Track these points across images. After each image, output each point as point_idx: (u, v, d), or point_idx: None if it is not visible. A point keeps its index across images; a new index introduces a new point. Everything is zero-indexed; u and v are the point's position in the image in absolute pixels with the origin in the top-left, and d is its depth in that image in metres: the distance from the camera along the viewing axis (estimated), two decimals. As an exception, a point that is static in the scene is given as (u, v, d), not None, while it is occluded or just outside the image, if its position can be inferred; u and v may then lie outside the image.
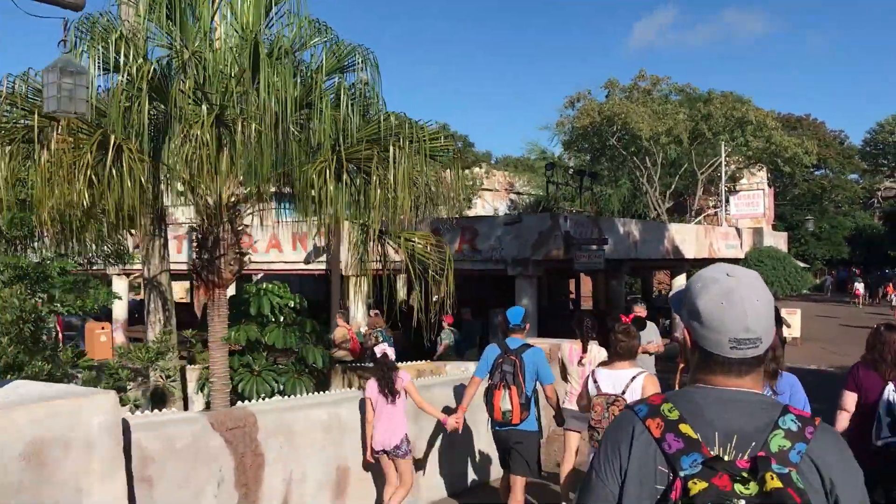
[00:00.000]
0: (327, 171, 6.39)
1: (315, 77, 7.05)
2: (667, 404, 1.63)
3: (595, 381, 4.89)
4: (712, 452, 1.54)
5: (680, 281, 22.18)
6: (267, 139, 6.57)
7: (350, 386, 10.01)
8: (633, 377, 4.81)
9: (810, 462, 1.55)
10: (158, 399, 8.67)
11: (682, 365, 9.61)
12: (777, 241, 27.46)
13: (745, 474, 1.48)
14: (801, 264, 45.43)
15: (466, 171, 34.38)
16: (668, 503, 1.53)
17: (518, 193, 38.18)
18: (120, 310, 18.69)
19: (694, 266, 23.86)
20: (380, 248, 7.60)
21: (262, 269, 18.38)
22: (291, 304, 9.45)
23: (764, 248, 24.71)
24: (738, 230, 24.86)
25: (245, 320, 9.00)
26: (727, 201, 27.19)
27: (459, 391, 6.65)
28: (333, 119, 7.27)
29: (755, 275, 1.72)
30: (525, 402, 5.55)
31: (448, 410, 6.44)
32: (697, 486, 1.48)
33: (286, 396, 7.51)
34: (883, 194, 69.01)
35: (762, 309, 1.63)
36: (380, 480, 5.99)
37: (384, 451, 5.74)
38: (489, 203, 39.32)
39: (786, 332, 22.95)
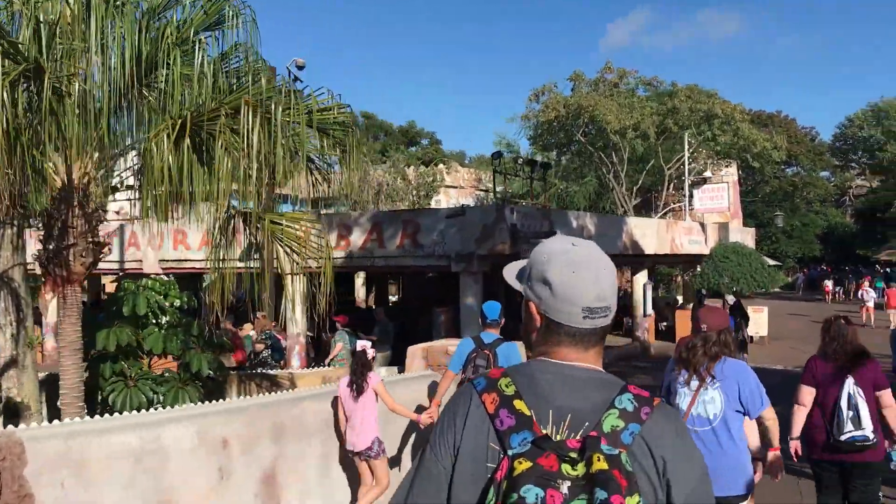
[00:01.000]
0: (166, 139, 5.24)
1: (165, 31, 5.88)
2: (505, 378, 1.60)
3: None
4: (544, 431, 1.51)
5: (641, 278, 21.20)
6: (99, 103, 5.39)
7: (248, 395, 8.83)
8: None
9: (643, 443, 1.51)
10: (12, 413, 7.47)
11: None
12: (744, 237, 26.52)
13: (573, 455, 1.43)
14: (772, 262, 45.08)
15: (424, 167, 33.30)
16: (494, 483, 1.45)
17: (485, 190, 37.18)
18: None
19: (656, 262, 22.86)
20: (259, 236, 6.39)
21: (182, 269, 17.12)
22: (178, 303, 8.28)
23: (729, 243, 23.78)
24: (702, 225, 23.88)
25: (119, 322, 7.82)
26: (691, 196, 26.16)
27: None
28: (201, 82, 6.11)
29: (595, 245, 1.67)
30: None
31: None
32: (522, 466, 1.41)
33: (162, 408, 6.36)
34: (854, 192, 69.03)
35: (610, 277, 1.63)
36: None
37: (356, 453, 5.74)
38: (454, 200, 38.35)
39: (753, 330, 22.19)
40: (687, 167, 27.10)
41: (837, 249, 60.22)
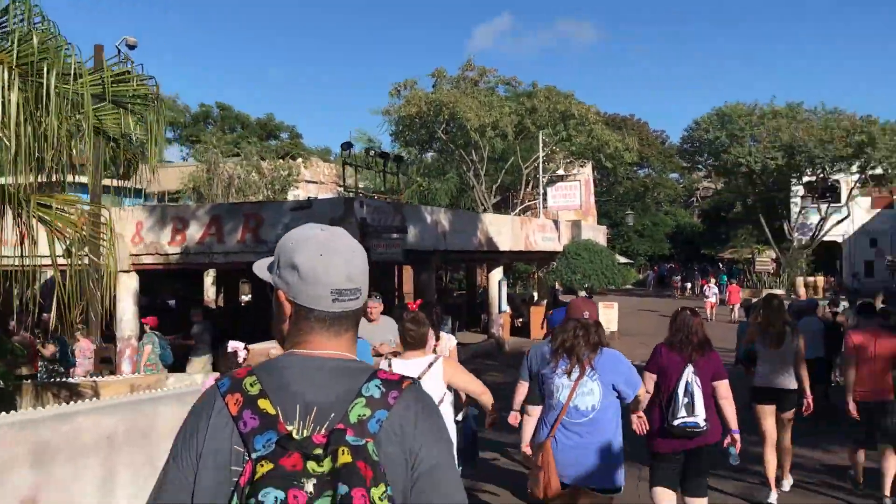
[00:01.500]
0: None
1: None
2: (250, 377, 1.52)
3: (389, 368, 4.57)
4: (289, 428, 1.45)
5: (497, 275, 21.15)
6: None
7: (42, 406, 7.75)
8: (431, 363, 4.56)
9: (390, 430, 1.49)
10: None
11: None
12: (596, 234, 27.20)
13: (319, 451, 1.38)
14: (624, 260, 46.94)
15: (281, 161, 32.11)
16: (237, 489, 1.39)
17: (344, 186, 36.31)
18: None
19: (511, 258, 22.93)
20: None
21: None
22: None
23: (582, 241, 24.24)
24: (556, 223, 24.19)
25: None
26: (545, 194, 26.46)
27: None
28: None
29: (344, 231, 1.64)
30: None
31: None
32: (264, 469, 1.36)
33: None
34: (701, 193, 73.10)
35: (360, 260, 1.60)
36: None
37: None
38: (313, 196, 37.25)
39: (603, 325, 22.67)
40: (542, 165, 27.41)
41: (685, 248, 63.69)
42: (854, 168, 36.51)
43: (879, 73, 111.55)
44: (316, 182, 38.41)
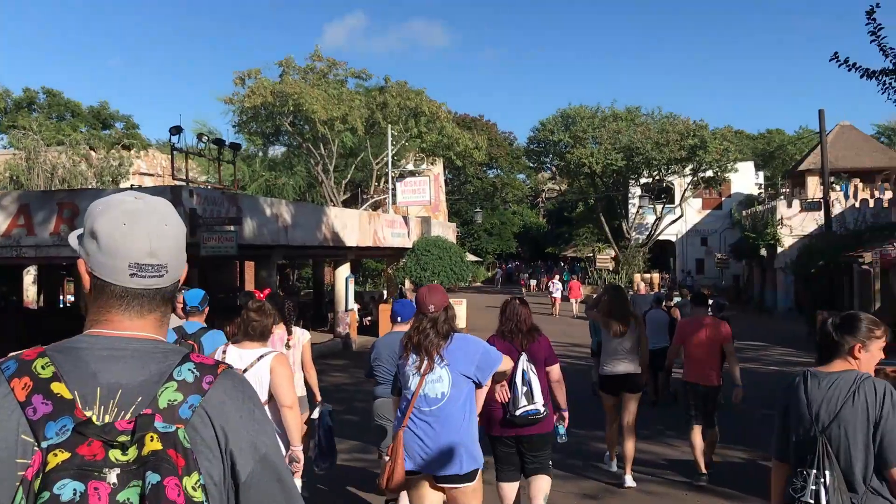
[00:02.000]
0: None
1: None
2: (43, 359, 1.36)
3: (223, 355, 4.46)
4: (88, 414, 1.32)
5: (343, 271, 20.45)
6: None
7: None
8: (261, 356, 4.41)
9: (205, 415, 1.39)
10: None
11: None
12: (446, 231, 27.07)
13: (123, 438, 1.27)
14: (474, 258, 47.57)
15: (113, 151, 29.85)
16: (24, 482, 1.24)
17: (172, 174, 34.30)
18: None
19: (359, 255, 22.30)
20: None
21: None
22: None
23: (432, 237, 24.01)
24: (405, 218, 23.78)
25: None
26: (394, 189, 26.00)
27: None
28: None
29: (166, 202, 1.53)
30: None
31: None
32: (57, 458, 1.24)
33: None
34: (546, 195, 75.53)
35: (170, 235, 1.46)
36: None
37: None
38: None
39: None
40: (391, 160, 26.95)
41: (532, 246, 65.91)
42: (687, 171, 38.63)
43: (710, 81, 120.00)
44: (152, 174, 36.12)
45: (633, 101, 68.86)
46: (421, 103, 31.26)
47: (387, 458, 4.18)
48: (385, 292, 24.48)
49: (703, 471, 7.17)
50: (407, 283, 27.74)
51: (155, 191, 13.31)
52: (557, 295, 31.08)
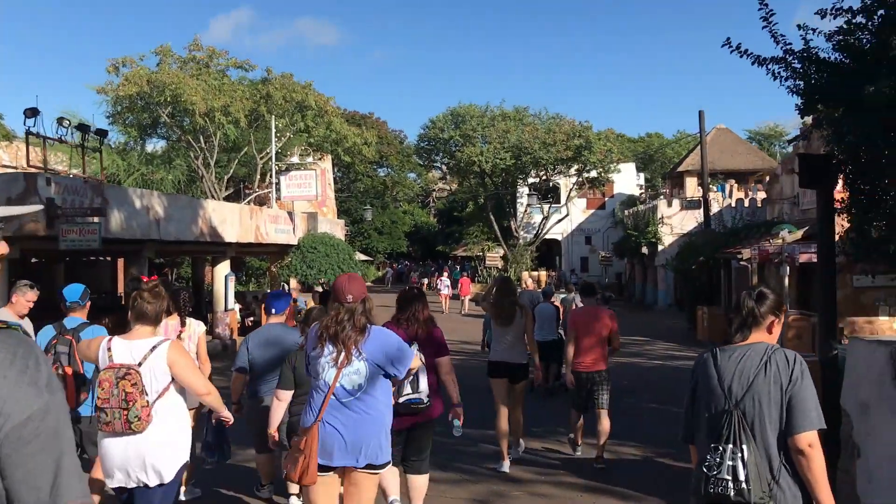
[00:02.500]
0: None
1: None
2: None
3: (108, 351, 4.08)
4: None
5: (223, 269, 19.41)
6: None
7: None
8: (154, 347, 4.08)
9: None
10: None
11: None
12: (334, 228, 26.28)
13: None
14: (364, 257, 46.86)
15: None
16: None
17: (40, 167, 31.95)
18: None
19: (240, 252, 21.24)
20: None
21: None
22: None
23: (318, 234, 23.23)
24: (290, 214, 22.85)
25: None
26: (278, 183, 24.82)
27: None
28: None
29: None
30: (83, 384, 5.31)
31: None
32: None
33: None
34: (437, 194, 75.61)
35: None
36: None
37: None
38: (12, 182, 32.42)
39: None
40: (274, 151, 25.92)
41: (423, 246, 65.84)
42: (573, 171, 39.36)
43: (593, 85, 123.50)
44: (13, 167, 33.49)
45: (520, 101, 69.77)
46: (307, 97, 30.31)
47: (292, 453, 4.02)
48: (269, 291, 23.52)
49: (579, 443, 7.87)
50: (293, 283, 26.84)
51: (6, 180, 12.07)
52: (446, 292, 31.63)
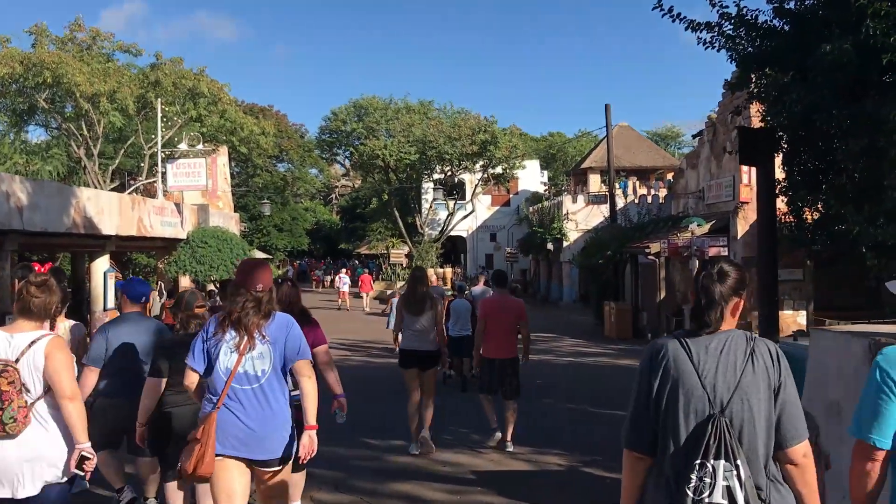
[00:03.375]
0: None
1: None
2: None
3: None
4: None
5: (102, 265, 17.67)
6: None
7: None
8: (34, 340, 3.64)
9: None
10: None
11: None
12: (227, 222, 24.67)
13: None
14: (263, 255, 45.00)
15: None
16: None
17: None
18: None
19: (121, 246, 19.47)
20: None
21: None
22: None
23: (209, 227, 21.67)
24: (178, 206, 21.13)
25: None
26: (165, 172, 22.71)
27: None
28: None
29: None
30: None
31: None
32: None
33: None
34: (339, 191, 74.03)
35: None
36: None
37: None
38: None
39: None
40: (160, 136, 24.09)
41: (326, 244, 64.41)
42: (478, 166, 38.88)
43: (496, 82, 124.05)
44: None
45: (424, 96, 68.84)
46: (200, 84, 28.53)
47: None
48: (159, 286, 21.73)
49: (494, 426, 7.90)
50: (186, 281, 25.21)
51: None
52: (345, 289, 31.74)
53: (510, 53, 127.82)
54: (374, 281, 36.25)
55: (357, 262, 51.06)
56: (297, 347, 3.87)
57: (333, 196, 73.64)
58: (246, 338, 3.77)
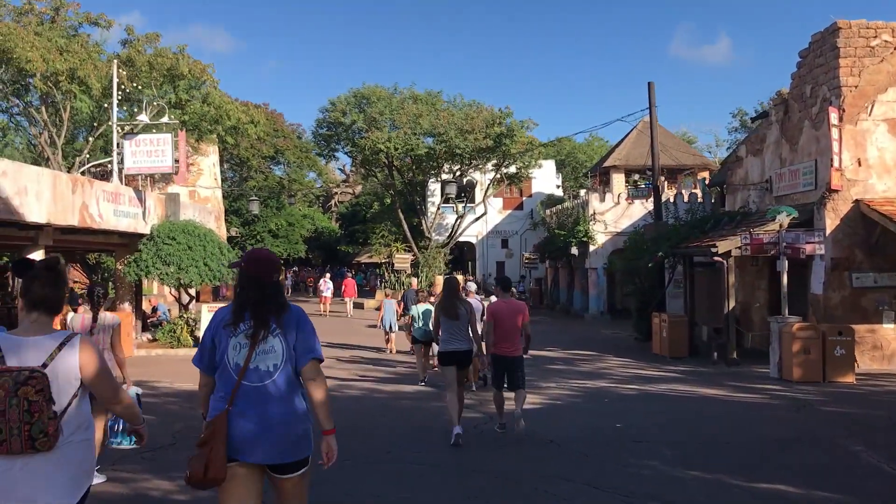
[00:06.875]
0: None
1: None
2: None
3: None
4: None
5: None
6: None
7: None
8: (62, 343, 3.08)
9: None
10: None
11: None
12: (205, 217, 20.92)
13: None
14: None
15: None
16: None
17: None
18: None
19: (61, 241, 15.65)
20: None
21: None
22: None
23: (180, 221, 17.95)
24: (139, 192, 17.30)
25: None
26: (122, 152, 18.45)
27: None
28: None
29: None
30: None
31: None
32: None
33: None
34: (339, 198, 70.53)
35: None
36: None
37: None
38: None
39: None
40: (115, 101, 20.31)
41: (325, 252, 61.49)
42: (490, 165, 35.31)
43: (501, 84, 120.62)
44: None
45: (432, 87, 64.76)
46: (179, 63, 24.92)
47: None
48: (114, 293, 17.96)
49: (502, 421, 8.66)
50: (155, 288, 21.52)
51: None
52: (328, 294, 31.77)
53: (511, 55, 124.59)
54: (376, 290, 33.88)
55: (352, 270, 48.25)
56: (308, 342, 3.59)
57: (333, 203, 70.10)
58: (262, 330, 3.52)
